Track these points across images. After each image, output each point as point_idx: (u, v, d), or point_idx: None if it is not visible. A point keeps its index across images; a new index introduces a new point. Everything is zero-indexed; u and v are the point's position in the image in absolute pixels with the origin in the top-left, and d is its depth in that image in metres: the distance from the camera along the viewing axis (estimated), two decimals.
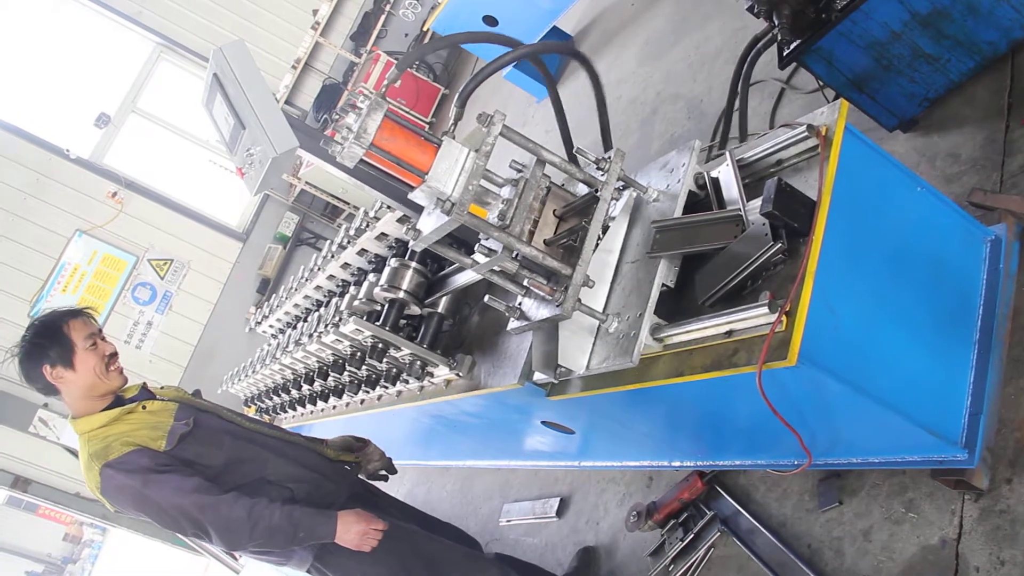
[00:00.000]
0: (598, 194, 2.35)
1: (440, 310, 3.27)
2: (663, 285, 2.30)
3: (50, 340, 3.03)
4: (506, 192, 2.32)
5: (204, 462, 3.04)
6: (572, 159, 2.58)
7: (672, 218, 2.34)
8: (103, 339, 3.15)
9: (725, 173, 2.34)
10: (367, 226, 3.62)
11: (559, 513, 4.37)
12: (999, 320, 2.44)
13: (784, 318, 1.91)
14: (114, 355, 3.15)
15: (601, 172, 2.39)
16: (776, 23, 3.03)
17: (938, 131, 3.17)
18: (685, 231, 2.27)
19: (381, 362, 3.37)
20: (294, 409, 5.13)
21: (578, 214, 2.43)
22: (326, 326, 3.71)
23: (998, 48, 2.96)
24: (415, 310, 3.30)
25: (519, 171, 2.34)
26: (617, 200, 2.59)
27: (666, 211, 2.41)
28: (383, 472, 3.68)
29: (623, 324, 2.33)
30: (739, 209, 2.20)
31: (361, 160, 2.26)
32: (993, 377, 2.37)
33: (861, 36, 2.97)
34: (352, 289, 3.79)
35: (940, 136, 3.15)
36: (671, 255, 2.29)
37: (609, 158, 2.39)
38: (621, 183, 2.49)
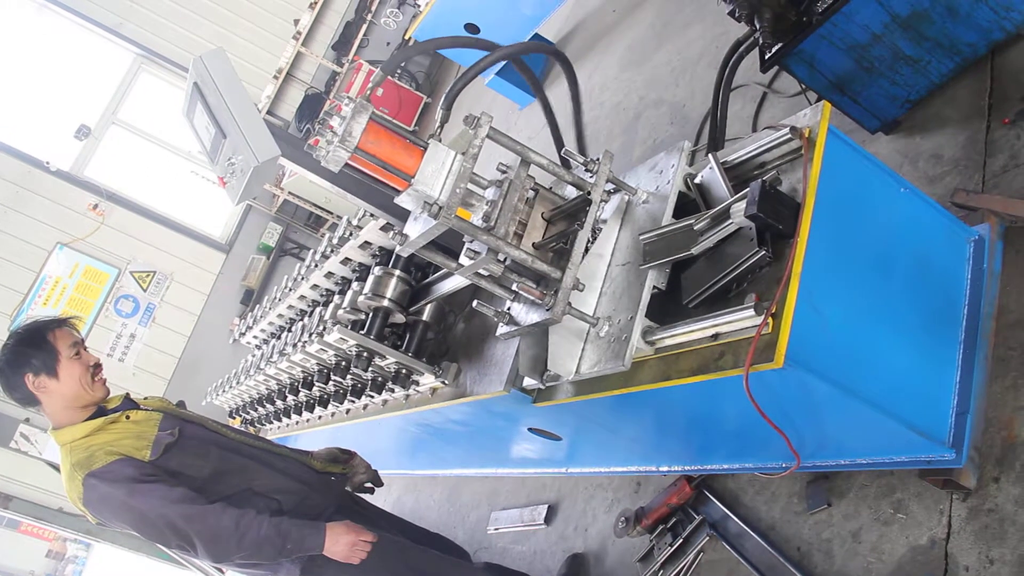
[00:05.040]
0: (588, 196, 2.34)
1: (425, 318, 3.26)
2: (654, 288, 2.29)
3: (34, 348, 2.99)
4: (490, 194, 2.31)
5: (190, 473, 3.00)
6: (563, 160, 2.57)
7: (659, 227, 2.34)
8: (85, 349, 3.11)
9: (710, 175, 2.33)
10: (350, 235, 3.60)
11: (547, 520, 4.35)
12: (984, 319, 2.45)
13: (770, 320, 1.91)
14: (98, 365, 3.11)
15: (590, 174, 2.39)
16: (757, 27, 3.04)
17: (920, 132, 3.19)
18: (683, 235, 2.25)
19: (366, 371, 3.35)
20: (279, 420, 5.10)
21: (567, 217, 2.42)
22: (310, 336, 3.69)
23: (978, 49, 2.98)
24: (400, 318, 3.28)
25: (504, 172, 2.33)
26: (606, 203, 2.58)
27: (656, 213, 2.40)
28: (369, 485, 3.66)
29: (614, 328, 2.32)
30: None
31: (346, 165, 2.24)
32: (979, 376, 2.38)
33: (842, 39, 2.98)
34: (336, 298, 3.77)
35: (922, 137, 3.16)
36: (663, 263, 2.28)
37: (598, 160, 2.38)
38: (610, 185, 2.48)
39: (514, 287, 2.40)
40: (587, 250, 2.38)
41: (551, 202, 2.45)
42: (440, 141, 2.27)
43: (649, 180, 2.52)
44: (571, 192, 2.49)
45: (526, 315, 2.43)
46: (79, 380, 3.01)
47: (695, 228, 2.19)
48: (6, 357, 3.01)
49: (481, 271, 2.37)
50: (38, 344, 2.99)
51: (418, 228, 2.36)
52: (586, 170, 2.39)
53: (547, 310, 2.28)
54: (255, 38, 11.39)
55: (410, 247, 2.42)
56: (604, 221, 2.54)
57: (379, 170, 2.24)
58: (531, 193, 2.40)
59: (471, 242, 2.35)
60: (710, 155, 2.35)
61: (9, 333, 3.09)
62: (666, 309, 2.31)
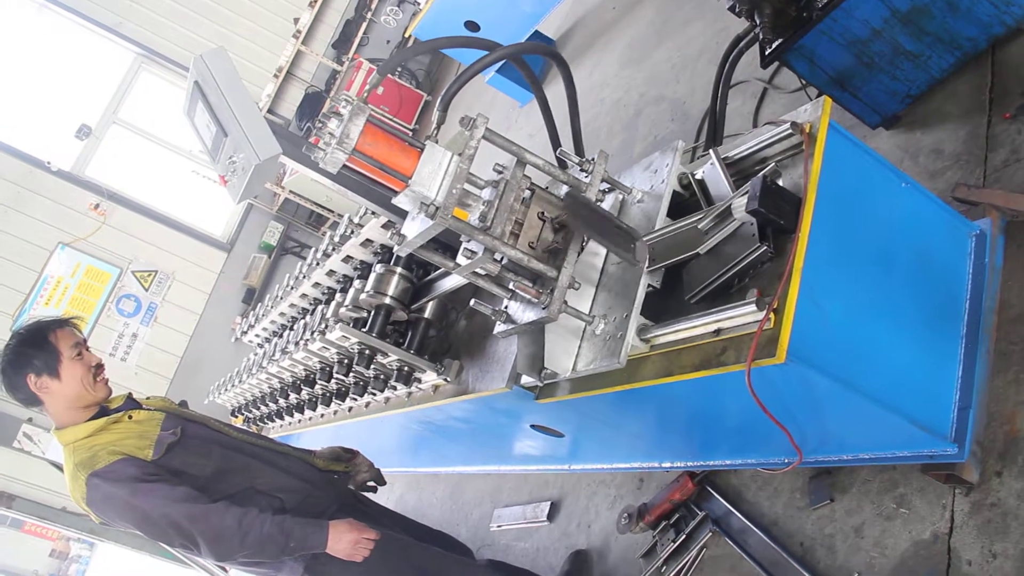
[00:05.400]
0: (583, 195, 2.35)
1: (427, 315, 3.25)
2: (649, 286, 2.30)
3: (35, 348, 2.99)
4: (487, 194, 2.31)
5: (192, 472, 3.01)
6: (559, 160, 2.57)
7: (664, 227, 2.34)
8: (88, 350, 3.11)
9: (711, 171, 2.33)
10: (352, 232, 3.60)
11: (550, 517, 4.36)
12: (985, 314, 2.44)
13: (772, 315, 1.91)
14: (100, 366, 3.11)
15: (585, 174, 2.39)
16: (758, 22, 3.03)
17: (921, 127, 3.18)
18: (689, 235, 2.26)
19: (368, 369, 3.35)
20: (282, 419, 5.10)
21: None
22: (312, 334, 3.69)
23: (978, 44, 2.98)
24: (401, 316, 3.28)
25: (500, 173, 2.34)
26: (602, 202, 2.58)
27: (651, 212, 2.41)
28: (372, 483, 3.66)
29: (609, 325, 2.33)
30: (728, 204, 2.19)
31: (344, 166, 2.25)
32: (981, 371, 2.38)
33: (842, 34, 2.97)
34: (338, 296, 3.77)
35: (923, 132, 3.16)
36: (671, 263, 2.27)
37: (593, 160, 2.38)
38: (605, 185, 2.49)
39: (511, 286, 2.40)
40: (582, 249, 2.38)
41: (547, 202, 2.45)
42: (437, 142, 2.28)
43: (644, 179, 2.52)
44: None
45: (523, 313, 2.43)
46: (81, 380, 3.02)
47: (699, 227, 2.19)
48: (8, 358, 3.01)
49: (478, 270, 2.37)
50: (40, 345, 3.00)
51: (415, 228, 2.36)
52: (581, 170, 2.39)
53: (543, 308, 2.29)
54: (255, 37, 11.39)
55: (408, 247, 2.42)
56: None
57: (376, 171, 2.24)
58: (527, 193, 2.40)
59: (468, 242, 2.36)
60: (711, 151, 2.35)
61: (11, 333, 3.10)
62: (667, 306, 2.31)
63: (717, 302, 2.11)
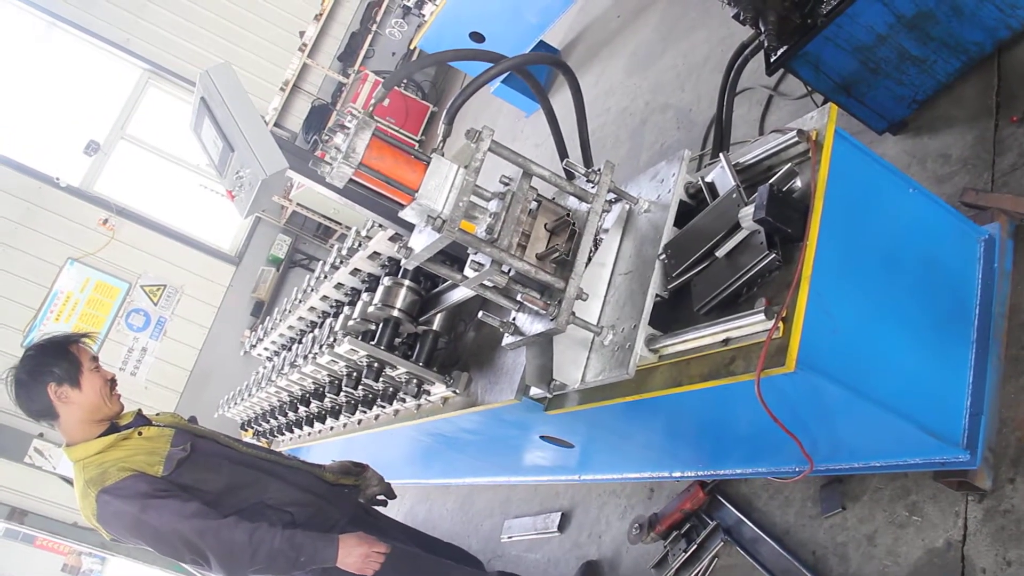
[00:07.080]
0: (589, 206, 2.35)
1: (435, 327, 3.26)
2: (656, 295, 2.29)
3: (57, 358, 3.01)
4: (493, 206, 2.31)
5: (202, 487, 3.01)
6: (566, 171, 2.57)
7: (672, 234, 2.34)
8: (100, 366, 3.14)
9: (720, 176, 2.33)
10: (359, 245, 3.61)
11: (561, 528, 4.34)
12: (996, 319, 2.43)
13: (781, 324, 1.90)
14: (114, 380, 3.15)
15: (591, 184, 2.39)
16: (762, 30, 3.03)
17: (928, 132, 3.17)
18: (693, 235, 2.26)
19: (377, 382, 3.35)
20: (291, 431, 5.10)
21: (569, 227, 2.42)
22: (321, 347, 3.69)
23: (984, 48, 2.97)
24: (410, 328, 3.29)
25: (506, 185, 2.34)
26: (608, 212, 2.58)
27: (658, 222, 2.40)
28: (382, 497, 3.66)
29: (618, 336, 2.32)
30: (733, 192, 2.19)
31: (351, 180, 2.25)
32: (992, 376, 2.36)
33: (847, 40, 2.97)
34: (346, 309, 3.77)
35: (930, 137, 3.15)
36: (691, 262, 2.26)
37: (599, 170, 2.38)
38: (612, 195, 2.48)
39: (519, 297, 2.40)
40: (590, 260, 2.38)
41: (554, 213, 2.44)
42: (443, 155, 2.28)
43: (650, 189, 2.52)
44: (573, 203, 2.50)
45: (531, 325, 2.42)
46: (99, 392, 3.05)
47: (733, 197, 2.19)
48: (27, 367, 3.03)
49: (486, 282, 2.37)
50: (61, 355, 3.03)
51: (423, 241, 2.36)
52: (587, 180, 2.39)
53: (551, 320, 2.28)
54: (261, 51, 11.44)
55: (415, 260, 2.42)
56: (606, 231, 2.54)
57: (383, 185, 2.25)
58: (534, 204, 2.40)
59: (475, 254, 2.36)
60: (721, 155, 2.34)
61: (27, 347, 3.12)
62: (675, 316, 2.31)
63: (726, 312, 2.10)
